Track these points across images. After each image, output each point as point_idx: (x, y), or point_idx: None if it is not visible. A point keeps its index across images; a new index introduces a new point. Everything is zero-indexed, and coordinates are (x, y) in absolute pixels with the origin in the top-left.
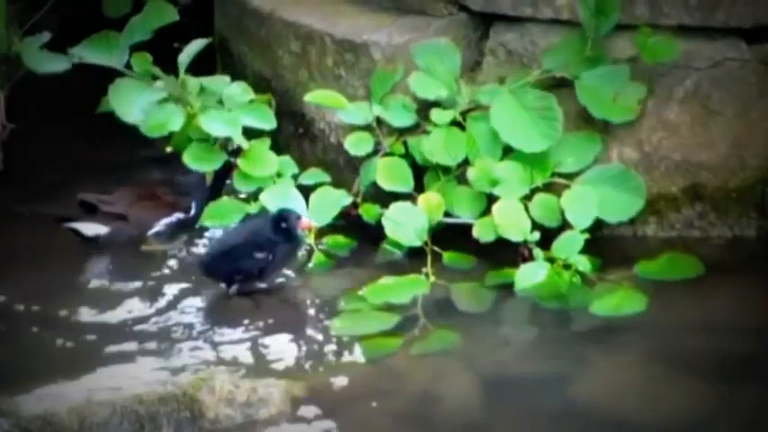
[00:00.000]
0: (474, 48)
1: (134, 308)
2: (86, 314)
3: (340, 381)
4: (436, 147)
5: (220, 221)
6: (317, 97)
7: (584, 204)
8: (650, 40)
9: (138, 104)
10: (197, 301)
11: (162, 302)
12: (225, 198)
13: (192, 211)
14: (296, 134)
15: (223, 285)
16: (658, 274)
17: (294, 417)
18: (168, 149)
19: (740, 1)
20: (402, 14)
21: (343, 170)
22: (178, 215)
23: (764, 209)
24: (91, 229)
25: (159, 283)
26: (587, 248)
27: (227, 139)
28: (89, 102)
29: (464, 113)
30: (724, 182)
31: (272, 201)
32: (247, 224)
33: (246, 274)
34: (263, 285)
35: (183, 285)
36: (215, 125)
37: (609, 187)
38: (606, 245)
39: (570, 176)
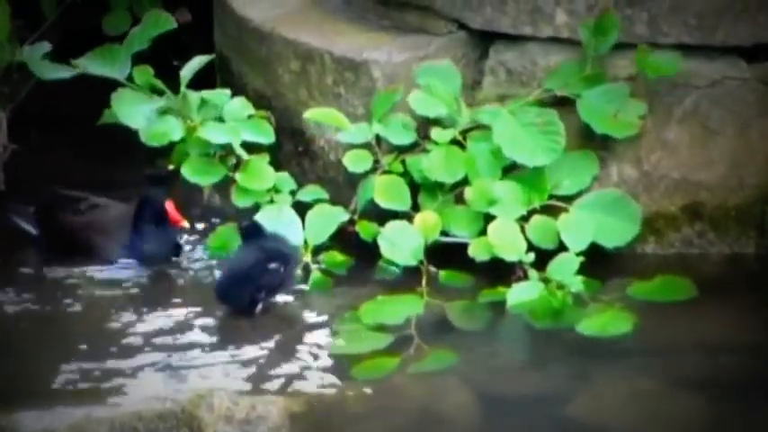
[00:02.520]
0: (474, 66)
1: (133, 325)
2: (86, 329)
3: (338, 399)
4: (435, 165)
5: (226, 250)
6: (316, 115)
7: (581, 229)
8: (651, 56)
9: (140, 113)
10: (196, 320)
11: (161, 321)
12: (223, 227)
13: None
14: (295, 152)
15: (236, 309)
16: (651, 295)
17: None
18: (170, 167)
19: (740, 20)
20: (402, 33)
21: (342, 187)
22: None
23: (764, 228)
24: None
25: (159, 301)
26: (584, 265)
27: (226, 153)
28: (90, 120)
29: (464, 132)
30: (723, 201)
31: (267, 221)
32: (249, 243)
33: (269, 290)
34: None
35: (181, 304)
36: (215, 134)
37: (605, 213)
38: (604, 262)
39: (568, 198)
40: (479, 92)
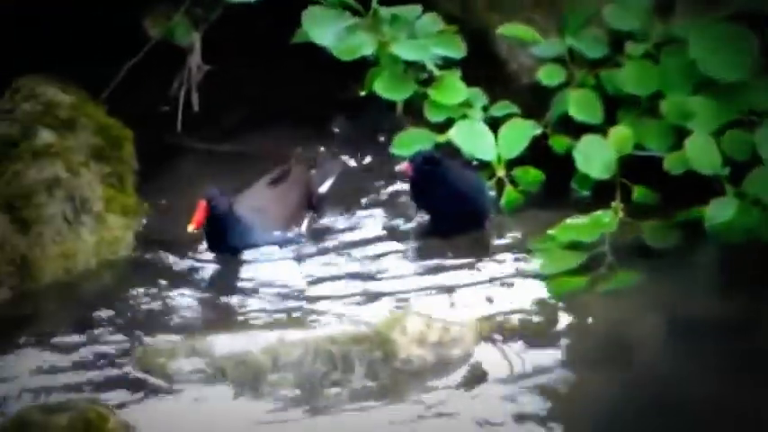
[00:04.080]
0: None
1: (330, 251)
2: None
3: (529, 319)
4: (629, 79)
5: (408, 150)
6: (509, 30)
7: None
8: None
9: (331, 30)
10: (391, 245)
11: (357, 247)
12: (413, 128)
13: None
14: (487, 76)
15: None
16: None
17: (485, 356)
18: (362, 93)
19: None
20: None
21: (533, 102)
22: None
23: None
24: None
25: (355, 229)
26: None
27: (418, 70)
28: (280, 41)
29: (657, 47)
30: None
31: (460, 137)
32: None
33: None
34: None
35: (374, 232)
36: (406, 51)
37: None
38: None
39: (762, 115)
40: (672, 15)
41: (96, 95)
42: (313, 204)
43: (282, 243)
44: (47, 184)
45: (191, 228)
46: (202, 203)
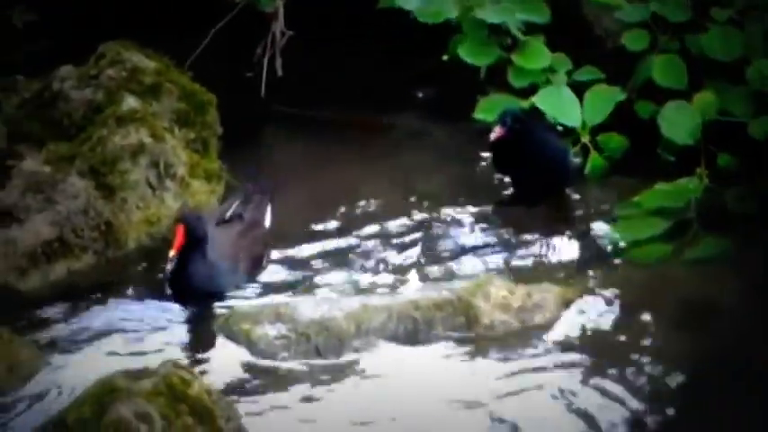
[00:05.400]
0: None
1: (414, 217)
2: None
3: (613, 285)
4: (713, 44)
5: (491, 115)
6: None
7: None
8: None
9: None
10: (473, 211)
11: (439, 213)
12: (496, 94)
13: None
14: (570, 42)
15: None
16: None
17: (568, 322)
18: (445, 58)
19: None
20: None
21: (618, 68)
22: None
23: None
24: None
25: (438, 195)
26: None
27: (502, 35)
28: (366, 9)
29: (741, 12)
30: None
31: (545, 102)
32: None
33: None
34: None
35: (460, 198)
36: (491, 15)
37: None
38: None
39: None
40: None
41: (180, 63)
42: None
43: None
44: (131, 150)
45: (172, 254)
46: (180, 228)
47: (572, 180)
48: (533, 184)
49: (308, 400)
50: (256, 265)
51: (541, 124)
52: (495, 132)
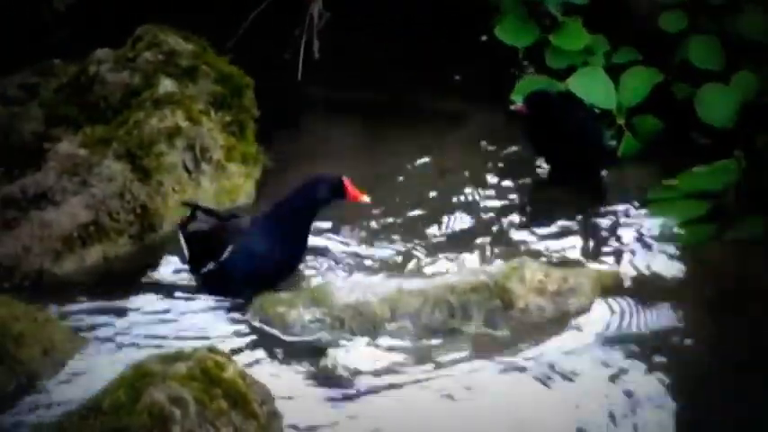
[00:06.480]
0: None
1: (452, 200)
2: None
3: (651, 270)
4: (751, 25)
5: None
6: None
7: None
8: None
9: None
10: (510, 195)
11: (476, 197)
12: (534, 75)
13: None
14: (607, 20)
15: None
16: None
17: (605, 307)
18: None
19: None
20: None
21: (656, 49)
22: None
23: None
24: None
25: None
26: None
27: (541, 16)
28: None
29: None
30: None
31: (580, 84)
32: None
33: None
34: None
35: (496, 182)
36: None
37: None
38: None
39: None
40: None
41: (216, 45)
42: None
43: None
44: (168, 132)
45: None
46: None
47: (608, 162)
48: (570, 166)
49: None
50: None
51: (579, 105)
52: (517, 106)
